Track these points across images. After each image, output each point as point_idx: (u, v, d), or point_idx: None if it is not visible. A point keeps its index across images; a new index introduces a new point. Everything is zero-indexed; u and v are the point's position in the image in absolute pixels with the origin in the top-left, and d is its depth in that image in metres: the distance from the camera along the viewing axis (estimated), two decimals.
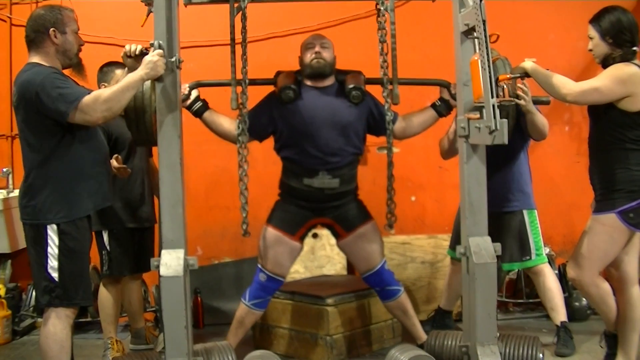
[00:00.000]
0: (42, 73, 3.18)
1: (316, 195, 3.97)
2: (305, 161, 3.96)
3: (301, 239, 4.08)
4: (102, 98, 3.08)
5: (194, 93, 3.92)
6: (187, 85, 3.87)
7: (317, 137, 3.92)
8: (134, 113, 3.32)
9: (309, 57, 3.97)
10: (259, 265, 4.00)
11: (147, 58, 3.07)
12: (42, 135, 3.22)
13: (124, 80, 3.11)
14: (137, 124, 3.35)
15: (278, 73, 4.04)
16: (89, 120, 3.12)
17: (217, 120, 3.96)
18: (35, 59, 3.30)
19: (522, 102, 3.82)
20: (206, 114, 3.94)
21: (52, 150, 3.23)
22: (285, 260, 4.02)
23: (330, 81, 4.02)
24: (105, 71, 4.20)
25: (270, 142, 4.09)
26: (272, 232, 4.02)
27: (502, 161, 4.14)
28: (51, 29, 3.28)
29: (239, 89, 3.70)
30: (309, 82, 4.01)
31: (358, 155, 4.10)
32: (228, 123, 3.94)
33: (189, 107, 3.89)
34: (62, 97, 3.09)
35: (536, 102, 3.95)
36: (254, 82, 3.86)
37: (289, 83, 3.92)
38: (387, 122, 3.76)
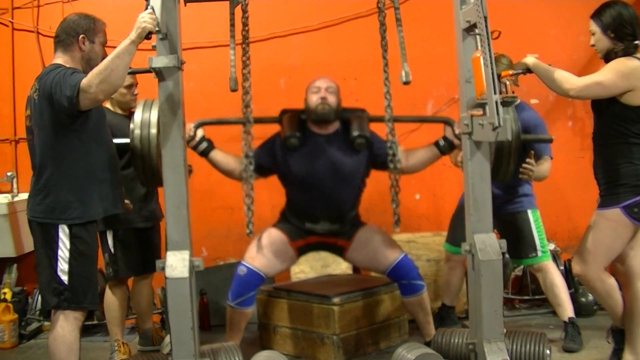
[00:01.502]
0: (61, 72, 3.21)
1: (318, 234, 4.13)
2: (308, 207, 4.09)
3: (298, 251, 4.15)
4: (96, 71, 3.07)
5: (199, 133, 3.97)
6: (192, 125, 3.91)
7: (319, 187, 4.02)
8: (140, 159, 3.40)
9: (314, 101, 4.01)
10: (241, 261, 4.05)
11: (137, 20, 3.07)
12: (59, 133, 3.24)
13: (116, 49, 3.10)
14: (144, 169, 3.43)
15: (283, 112, 4.09)
16: (91, 98, 3.09)
17: (223, 159, 4.03)
18: (60, 60, 3.34)
19: (526, 177, 3.96)
20: (212, 154, 4.01)
21: (69, 150, 3.26)
22: (275, 260, 4.05)
23: (334, 126, 4.07)
24: None
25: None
26: (274, 231, 4.12)
27: None
28: (81, 35, 3.33)
29: (239, 66, 3.67)
30: (313, 127, 4.06)
31: (359, 198, 4.22)
32: (234, 162, 4.00)
33: (194, 148, 3.95)
34: (68, 84, 3.11)
35: (539, 141, 3.99)
36: (259, 121, 3.96)
37: (294, 130, 3.98)
38: (390, 160, 3.81)
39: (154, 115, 3.41)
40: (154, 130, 3.36)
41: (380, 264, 4.09)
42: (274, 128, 4.15)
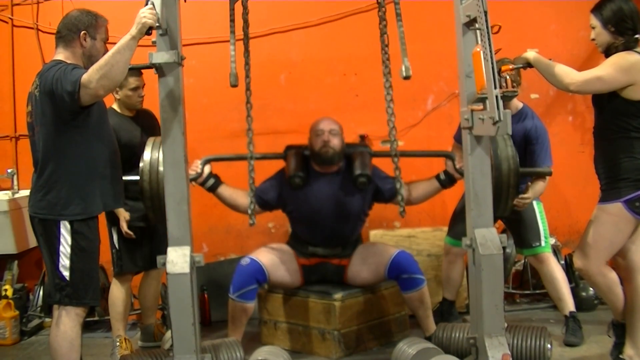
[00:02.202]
0: (62, 67, 3.21)
1: (321, 256, 4.24)
2: (310, 238, 4.20)
3: (302, 269, 4.24)
4: (96, 66, 3.08)
5: (207, 169, 4.03)
6: (199, 162, 3.97)
7: (322, 225, 4.13)
8: (150, 200, 3.44)
9: (318, 144, 4.06)
10: (246, 255, 4.13)
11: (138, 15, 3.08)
12: (61, 129, 3.24)
13: (116, 45, 3.10)
14: (153, 207, 3.46)
15: (287, 149, 4.17)
16: (91, 93, 3.10)
17: (231, 195, 4.11)
18: (61, 56, 3.34)
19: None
20: (220, 190, 4.08)
21: (71, 146, 3.26)
22: (281, 264, 4.16)
23: (337, 165, 4.13)
24: None
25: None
26: (285, 244, 4.30)
27: None
28: (83, 32, 3.34)
29: (240, 62, 3.67)
30: (316, 167, 4.12)
31: (362, 228, 4.34)
32: (241, 197, 4.08)
33: (202, 184, 4.03)
34: (68, 80, 3.12)
35: (538, 174, 4.08)
36: (264, 157, 4.07)
37: (297, 169, 4.06)
38: (398, 198, 3.83)
39: (162, 155, 3.39)
40: (162, 169, 3.36)
41: (380, 265, 4.13)
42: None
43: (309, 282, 4.29)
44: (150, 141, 3.55)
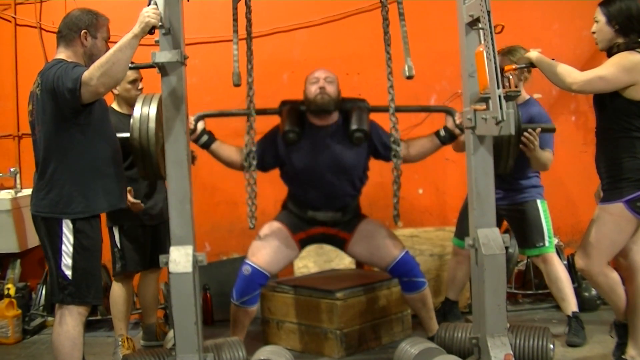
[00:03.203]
0: (63, 66, 3.22)
1: (320, 222, 4.12)
2: (309, 199, 4.09)
3: (300, 243, 4.14)
4: (97, 64, 3.08)
5: (200, 125, 3.96)
6: (193, 118, 3.90)
7: (319, 181, 4.02)
8: (139, 148, 3.39)
9: (313, 91, 3.98)
10: (246, 259, 4.02)
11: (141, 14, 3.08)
12: (62, 127, 3.24)
13: (118, 42, 3.10)
14: (143, 159, 3.42)
15: (283, 104, 4.09)
16: (92, 91, 3.10)
17: (225, 151, 4.02)
18: (62, 55, 3.35)
19: (527, 151, 3.90)
20: (213, 146, 4.00)
21: (73, 144, 3.27)
22: (278, 254, 4.03)
23: (334, 117, 4.05)
24: None
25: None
26: (275, 224, 4.12)
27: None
28: (83, 31, 3.34)
29: (242, 61, 3.67)
30: (313, 119, 4.04)
31: (362, 188, 4.20)
32: (235, 153, 4.00)
33: (196, 141, 3.94)
34: (69, 77, 3.12)
35: (542, 130, 3.96)
36: (260, 112, 3.95)
37: (293, 124, 3.97)
38: (393, 154, 3.82)
39: (153, 110, 3.41)
40: (152, 125, 3.36)
41: (382, 260, 4.08)
42: (275, 120, 4.14)
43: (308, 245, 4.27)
44: (140, 98, 3.52)
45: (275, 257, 4.03)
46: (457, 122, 3.88)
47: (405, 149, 3.99)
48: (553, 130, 4.00)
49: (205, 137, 3.96)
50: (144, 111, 3.43)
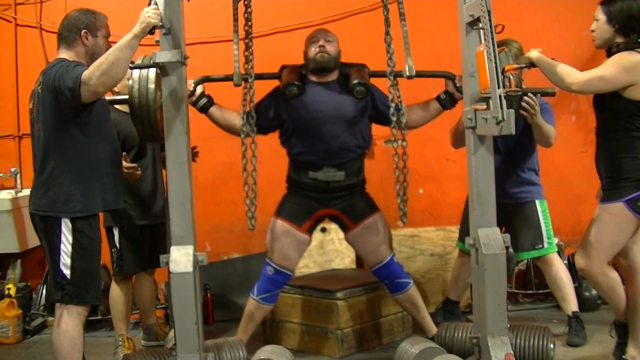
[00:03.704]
0: (65, 64, 3.23)
1: (322, 188, 3.99)
2: (310, 155, 3.98)
3: (309, 232, 4.08)
4: (97, 63, 3.10)
5: (199, 89, 3.92)
6: (192, 81, 3.86)
7: (321, 132, 3.93)
8: (138, 109, 3.34)
9: (313, 50, 3.97)
10: (267, 259, 4.01)
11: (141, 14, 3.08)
12: (63, 126, 3.25)
13: (118, 42, 3.11)
14: (142, 120, 3.37)
15: (282, 67, 4.05)
16: (91, 90, 3.11)
17: (223, 115, 3.97)
18: (64, 55, 3.36)
19: (529, 117, 3.86)
20: (212, 110, 3.95)
21: (72, 143, 3.27)
22: (293, 253, 4.01)
23: (334, 76, 4.01)
24: None
25: (277, 136, 4.10)
26: (280, 223, 4.03)
27: (512, 154, 4.17)
28: (83, 31, 3.36)
29: (242, 59, 3.67)
30: (313, 77, 4.01)
31: (364, 149, 4.10)
32: (234, 117, 3.94)
33: (194, 104, 3.89)
34: (70, 76, 3.14)
35: (542, 94, 3.94)
36: (259, 77, 3.89)
37: (293, 79, 3.93)
38: (392, 113, 3.77)
39: (152, 71, 3.36)
40: (152, 86, 3.32)
41: (370, 261, 4.08)
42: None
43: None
44: (139, 58, 3.46)
45: (292, 256, 4.01)
46: (457, 84, 3.86)
47: (405, 113, 3.92)
48: (553, 94, 3.98)
49: (204, 100, 3.93)
50: (143, 72, 3.37)
